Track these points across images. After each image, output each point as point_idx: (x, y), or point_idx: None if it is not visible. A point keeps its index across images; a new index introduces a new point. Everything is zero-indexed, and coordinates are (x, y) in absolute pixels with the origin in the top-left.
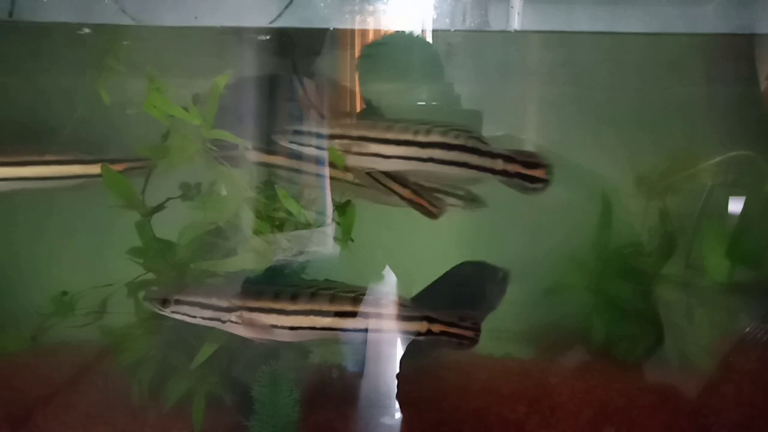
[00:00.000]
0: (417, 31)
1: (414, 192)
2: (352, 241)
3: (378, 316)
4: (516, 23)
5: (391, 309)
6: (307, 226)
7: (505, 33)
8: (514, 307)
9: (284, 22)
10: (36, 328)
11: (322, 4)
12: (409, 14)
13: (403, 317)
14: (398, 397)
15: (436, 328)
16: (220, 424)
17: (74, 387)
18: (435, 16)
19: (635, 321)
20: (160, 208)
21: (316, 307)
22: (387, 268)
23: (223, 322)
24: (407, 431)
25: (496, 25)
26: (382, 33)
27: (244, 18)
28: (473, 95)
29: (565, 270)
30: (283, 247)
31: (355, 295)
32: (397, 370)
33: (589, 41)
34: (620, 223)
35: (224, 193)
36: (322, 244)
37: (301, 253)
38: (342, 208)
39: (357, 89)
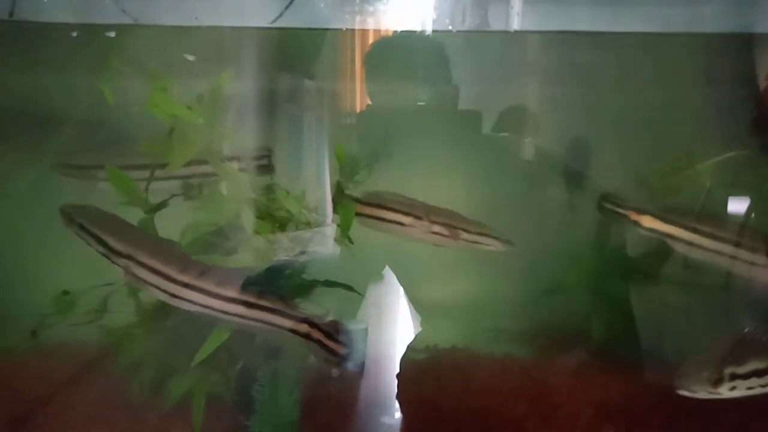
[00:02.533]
0: (418, 31)
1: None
2: (352, 243)
3: (259, 307)
4: (516, 24)
5: (276, 304)
6: (308, 226)
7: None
8: (514, 307)
9: (285, 22)
10: (37, 324)
11: (322, 5)
12: (409, 14)
13: (285, 314)
14: (398, 397)
15: (315, 334)
16: (220, 424)
17: (74, 387)
18: (435, 17)
19: (635, 321)
20: (163, 205)
21: (200, 283)
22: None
23: (112, 262)
24: (407, 431)
25: (495, 25)
26: (382, 33)
27: (244, 18)
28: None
29: (565, 270)
30: (285, 247)
31: (245, 282)
32: (397, 370)
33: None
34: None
35: (225, 192)
36: (323, 245)
37: (302, 253)
38: (341, 208)
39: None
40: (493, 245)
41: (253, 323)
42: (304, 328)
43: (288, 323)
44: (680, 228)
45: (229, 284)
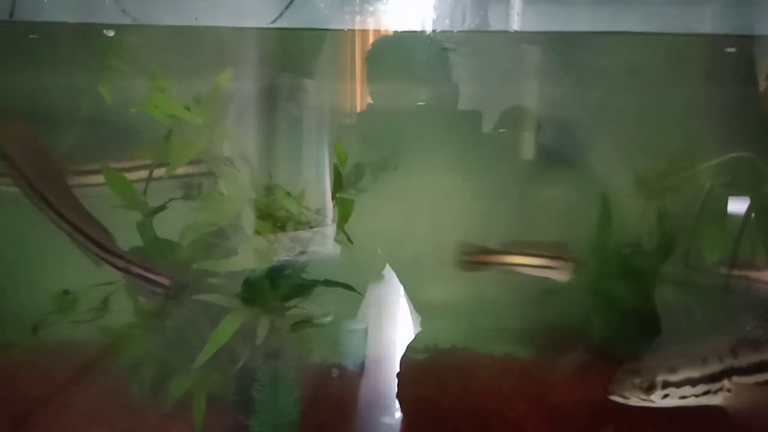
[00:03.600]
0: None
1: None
2: (351, 242)
3: (83, 234)
4: (516, 24)
5: (101, 236)
6: (308, 226)
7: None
8: (514, 307)
9: (285, 23)
10: (38, 322)
11: (322, 5)
12: (409, 14)
13: (108, 250)
14: (398, 396)
15: (134, 269)
16: (220, 424)
17: (74, 387)
18: (435, 17)
19: (635, 321)
20: (162, 208)
21: (47, 195)
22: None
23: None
24: (407, 431)
25: (495, 25)
26: (382, 33)
27: (244, 18)
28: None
29: None
30: (286, 247)
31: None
32: (397, 370)
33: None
34: (620, 223)
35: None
36: (323, 245)
37: (302, 253)
38: (340, 203)
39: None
40: None
41: (78, 246)
42: (121, 263)
43: (107, 256)
44: None
45: (67, 204)
